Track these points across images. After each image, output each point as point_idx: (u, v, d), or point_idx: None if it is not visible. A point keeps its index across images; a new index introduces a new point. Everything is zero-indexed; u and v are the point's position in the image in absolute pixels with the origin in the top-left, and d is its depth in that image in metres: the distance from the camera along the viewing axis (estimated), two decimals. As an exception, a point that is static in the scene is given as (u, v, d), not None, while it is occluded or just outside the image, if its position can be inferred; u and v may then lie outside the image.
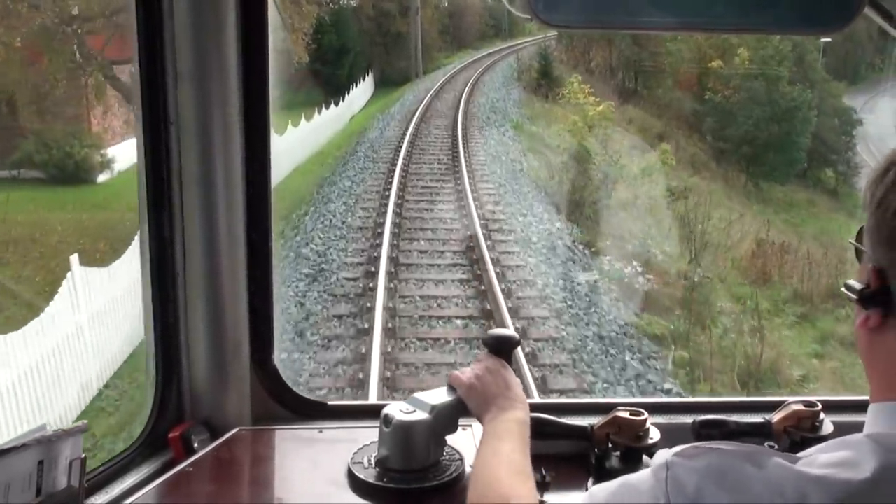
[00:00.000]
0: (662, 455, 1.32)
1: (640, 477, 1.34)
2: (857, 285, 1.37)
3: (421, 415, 1.99)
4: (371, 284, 12.09)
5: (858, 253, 1.42)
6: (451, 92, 34.37)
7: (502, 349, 2.05)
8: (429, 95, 33.10)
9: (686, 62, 30.57)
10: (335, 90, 32.07)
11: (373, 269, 12.81)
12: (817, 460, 1.24)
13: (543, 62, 35.16)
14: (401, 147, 22.92)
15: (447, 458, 2.07)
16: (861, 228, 1.41)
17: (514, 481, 1.67)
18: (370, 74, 39.30)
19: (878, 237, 1.33)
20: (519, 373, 6.76)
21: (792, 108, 25.94)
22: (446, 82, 37.11)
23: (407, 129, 25.85)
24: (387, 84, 39.59)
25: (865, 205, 1.37)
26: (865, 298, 1.34)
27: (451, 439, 2.07)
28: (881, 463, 1.21)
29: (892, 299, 1.30)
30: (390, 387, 9.23)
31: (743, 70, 27.53)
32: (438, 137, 25.13)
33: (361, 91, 36.26)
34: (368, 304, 11.36)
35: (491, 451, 1.77)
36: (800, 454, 1.29)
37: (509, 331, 2.15)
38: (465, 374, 2.00)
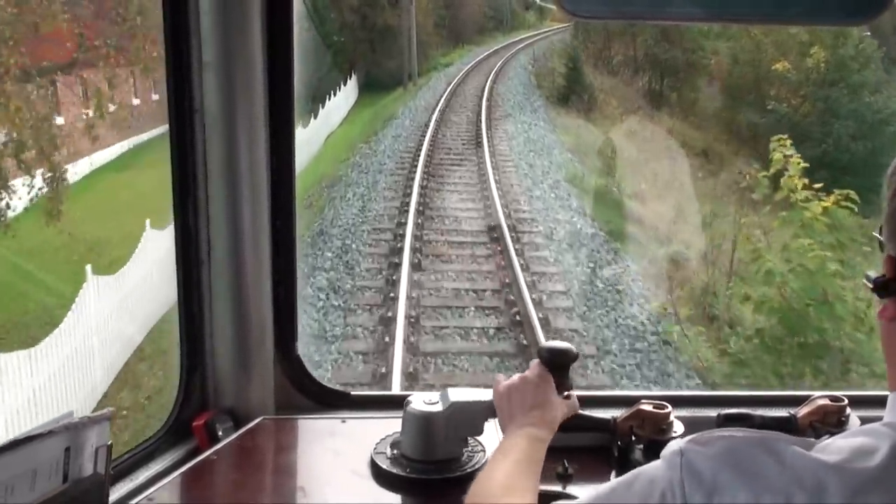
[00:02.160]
0: (676, 443, 1.35)
1: (652, 466, 1.36)
2: (873, 275, 1.39)
3: (437, 408, 2.07)
4: None
5: (881, 245, 1.43)
6: (461, 112, 26.29)
7: (556, 363, 2.00)
8: (433, 120, 24.06)
9: (741, 64, 26.32)
10: (308, 98, 24.55)
11: None
12: (833, 446, 1.27)
13: (571, 65, 30.17)
14: (399, 252, 12.40)
15: (470, 449, 2.14)
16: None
17: (507, 500, 1.68)
18: (353, 76, 33.25)
19: (892, 227, 1.36)
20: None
21: (879, 122, 22.45)
22: (451, 95, 29.20)
23: (407, 200, 15.57)
24: (373, 88, 33.55)
25: (884, 196, 1.39)
26: (880, 287, 1.37)
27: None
28: None
29: None
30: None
31: (817, 74, 23.51)
32: (463, 220, 14.83)
33: (342, 98, 29.62)
34: None
35: (494, 465, 1.79)
36: (817, 440, 1.31)
37: (565, 344, 2.08)
38: (504, 382, 2.00)
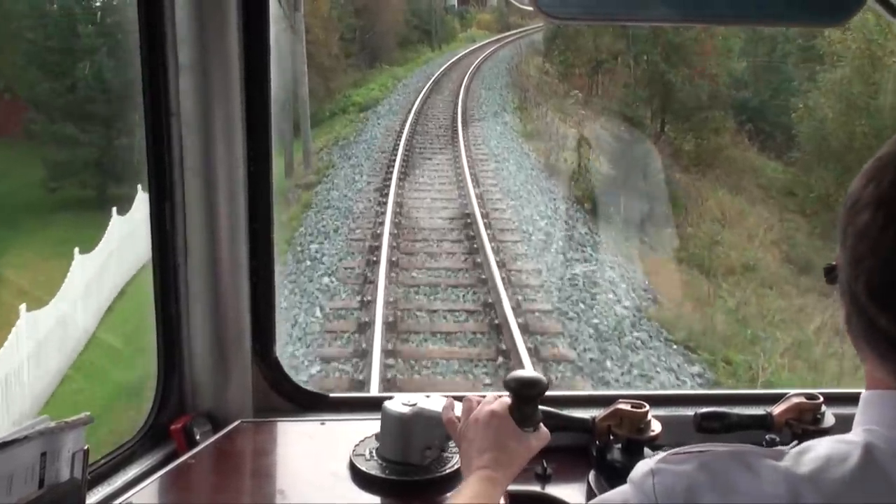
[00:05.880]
0: (645, 464, 1.33)
1: (621, 492, 1.35)
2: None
3: (413, 409, 2.10)
4: None
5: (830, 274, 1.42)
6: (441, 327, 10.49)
7: (524, 395, 1.97)
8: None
9: (854, 108, 16.86)
10: (105, 198, 14.35)
11: None
12: (806, 456, 1.28)
13: (626, 137, 18.86)
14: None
15: (448, 451, 2.16)
16: None
17: None
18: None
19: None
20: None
21: None
22: (394, 243, 13.32)
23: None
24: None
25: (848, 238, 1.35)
26: (830, 277, 1.37)
27: None
28: (869, 457, 1.24)
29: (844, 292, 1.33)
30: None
31: None
32: None
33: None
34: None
35: None
36: (787, 448, 1.32)
37: (535, 374, 2.05)
38: (462, 418, 1.99)
